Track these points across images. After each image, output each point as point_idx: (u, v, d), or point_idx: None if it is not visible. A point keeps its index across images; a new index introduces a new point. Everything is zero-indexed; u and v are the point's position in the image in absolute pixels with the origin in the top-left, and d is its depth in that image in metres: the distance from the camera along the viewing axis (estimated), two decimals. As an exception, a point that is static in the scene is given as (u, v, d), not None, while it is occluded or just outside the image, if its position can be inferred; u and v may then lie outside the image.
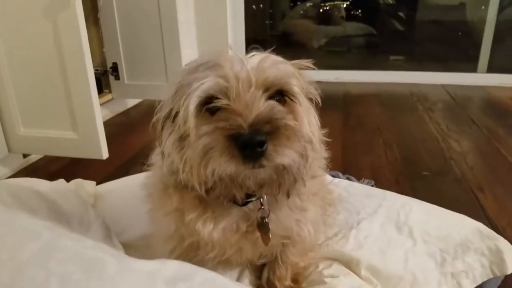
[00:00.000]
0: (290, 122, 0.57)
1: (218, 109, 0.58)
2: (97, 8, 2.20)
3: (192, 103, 0.58)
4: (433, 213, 0.98)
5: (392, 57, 3.82)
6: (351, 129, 2.10)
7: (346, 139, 1.94)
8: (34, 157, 1.75)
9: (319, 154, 0.68)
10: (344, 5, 4.15)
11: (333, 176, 1.28)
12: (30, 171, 1.66)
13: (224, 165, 0.53)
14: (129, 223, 0.99)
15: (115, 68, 2.29)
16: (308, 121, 0.62)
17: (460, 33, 3.83)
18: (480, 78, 3.13)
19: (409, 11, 4.05)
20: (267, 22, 4.29)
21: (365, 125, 2.19)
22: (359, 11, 4.20)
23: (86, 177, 1.27)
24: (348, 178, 1.35)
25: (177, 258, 0.75)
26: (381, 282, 0.82)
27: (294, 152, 0.55)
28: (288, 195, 0.62)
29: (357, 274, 0.83)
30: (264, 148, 0.52)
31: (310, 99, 0.68)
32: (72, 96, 1.43)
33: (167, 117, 0.64)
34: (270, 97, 0.60)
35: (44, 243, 0.46)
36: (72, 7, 1.30)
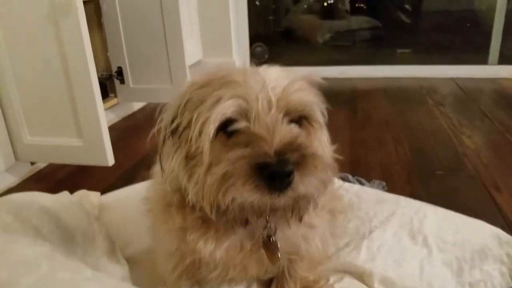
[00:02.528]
0: (317, 150, 0.55)
1: (234, 130, 0.55)
2: (100, 12, 2.18)
3: (212, 127, 0.54)
4: (449, 219, 0.94)
5: (399, 50, 3.73)
6: (358, 126, 2.06)
7: (354, 136, 1.90)
8: (41, 164, 1.75)
9: None
10: (348, -2, 4.07)
11: (342, 179, 1.25)
12: (37, 178, 1.66)
13: (247, 194, 0.50)
14: (133, 236, 0.97)
15: (120, 72, 2.27)
16: (323, 143, 0.61)
17: (468, 24, 3.73)
18: (491, 70, 3.04)
19: (415, 2, 3.96)
20: (270, 18, 4.23)
21: (373, 121, 2.14)
22: (364, 4, 4.12)
23: (93, 183, 1.26)
24: (358, 180, 1.31)
25: (180, 275, 0.73)
26: (396, 294, 0.79)
27: (318, 181, 0.53)
28: (300, 220, 0.60)
29: (370, 287, 0.80)
30: (291, 178, 0.50)
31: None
32: (76, 103, 1.41)
33: (172, 131, 0.61)
34: (290, 121, 0.57)
35: (41, 276, 0.44)
36: (74, 14, 1.28)
